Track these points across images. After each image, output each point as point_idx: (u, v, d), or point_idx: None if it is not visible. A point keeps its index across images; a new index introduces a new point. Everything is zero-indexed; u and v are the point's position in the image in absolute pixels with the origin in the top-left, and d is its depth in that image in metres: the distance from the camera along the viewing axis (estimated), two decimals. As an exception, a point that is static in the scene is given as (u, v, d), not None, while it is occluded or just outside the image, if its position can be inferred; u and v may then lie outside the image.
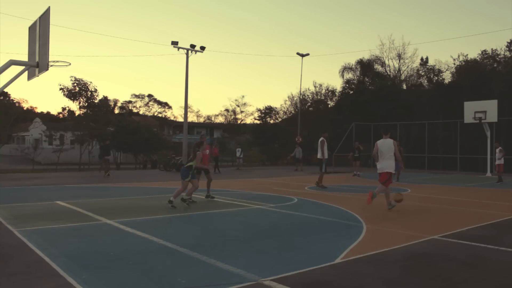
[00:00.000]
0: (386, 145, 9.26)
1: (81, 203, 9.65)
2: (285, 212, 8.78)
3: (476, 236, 6.42)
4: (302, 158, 26.27)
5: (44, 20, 6.62)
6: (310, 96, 46.41)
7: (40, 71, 6.67)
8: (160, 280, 4.19)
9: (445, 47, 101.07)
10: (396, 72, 42.40)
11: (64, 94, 32.80)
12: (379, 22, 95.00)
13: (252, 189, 13.61)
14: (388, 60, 43.33)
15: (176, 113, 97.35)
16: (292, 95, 53.16)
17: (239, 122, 60.76)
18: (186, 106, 26.86)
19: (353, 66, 41.60)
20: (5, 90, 10.28)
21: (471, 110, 22.40)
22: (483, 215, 8.71)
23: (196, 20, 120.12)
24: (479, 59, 35.17)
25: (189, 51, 25.53)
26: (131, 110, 74.68)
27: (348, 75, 42.06)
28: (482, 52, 35.33)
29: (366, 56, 42.63)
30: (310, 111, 44.57)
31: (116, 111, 69.16)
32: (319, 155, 14.09)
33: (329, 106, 45.24)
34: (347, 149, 27.87)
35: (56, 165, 35.16)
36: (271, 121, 51.48)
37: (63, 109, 36.88)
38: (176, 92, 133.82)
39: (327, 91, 45.55)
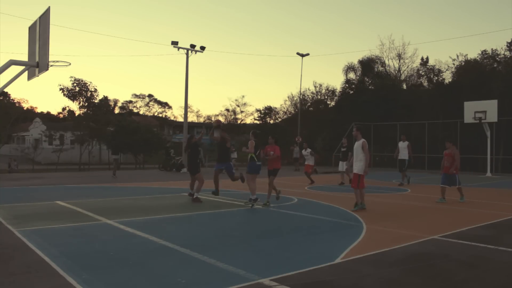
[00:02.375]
0: None
1: (81, 203, 9.65)
2: (285, 212, 8.78)
3: (476, 236, 6.42)
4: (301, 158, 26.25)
5: (44, 20, 6.63)
6: (310, 96, 46.45)
7: (40, 71, 6.69)
8: (160, 280, 4.19)
9: (445, 47, 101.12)
10: (396, 72, 42.38)
11: (64, 94, 32.90)
12: (379, 22, 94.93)
13: (252, 189, 13.57)
14: (388, 60, 43.26)
15: (176, 113, 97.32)
16: (292, 95, 53.22)
17: (239, 122, 60.77)
18: (186, 106, 26.86)
19: (355, 66, 41.58)
20: (5, 90, 10.28)
21: (471, 110, 22.37)
22: (483, 215, 8.72)
23: (196, 20, 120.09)
24: (479, 59, 35.10)
25: (189, 51, 25.52)
26: (131, 110, 74.78)
27: (350, 75, 42.09)
28: (482, 52, 35.24)
29: (366, 55, 42.62)
30: (310, 111, 44.56)
31: (117, 111, 69.28)
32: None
33: (329, 106, 45.23)
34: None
35: (56, 165, 35.20)
36: (271, 121, 51.49)
37: (63, 109, 37.03)
38: (176, 92, 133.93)
39: (327, 91, 45.58)
